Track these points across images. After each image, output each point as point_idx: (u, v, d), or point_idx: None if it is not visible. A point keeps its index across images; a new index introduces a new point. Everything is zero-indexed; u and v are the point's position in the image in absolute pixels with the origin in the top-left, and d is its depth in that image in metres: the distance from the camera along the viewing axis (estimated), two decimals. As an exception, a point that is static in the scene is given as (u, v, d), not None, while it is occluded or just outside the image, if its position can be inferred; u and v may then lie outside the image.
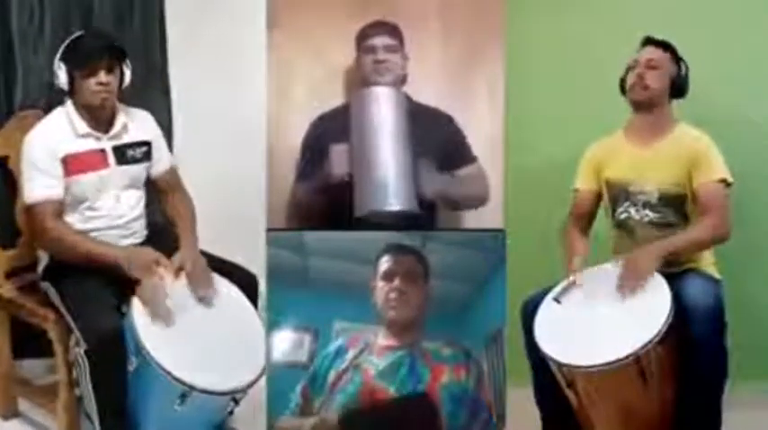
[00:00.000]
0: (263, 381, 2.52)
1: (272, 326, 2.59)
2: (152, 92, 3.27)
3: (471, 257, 2.64)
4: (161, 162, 2.75)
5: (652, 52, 2.61)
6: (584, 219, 2.75)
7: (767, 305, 3.01)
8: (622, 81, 2.66)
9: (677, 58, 2.62)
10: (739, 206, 2.53)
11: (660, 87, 2.59)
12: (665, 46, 2.62)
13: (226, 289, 2.58)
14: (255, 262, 2.68)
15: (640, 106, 2.61)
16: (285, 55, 2.77)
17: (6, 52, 2.93)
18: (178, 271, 2.51)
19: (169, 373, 2.27)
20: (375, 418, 2.30)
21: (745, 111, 2.95)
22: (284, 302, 2.60)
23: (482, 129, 2.76)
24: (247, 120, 3.28)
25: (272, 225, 2.69)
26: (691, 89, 2.63)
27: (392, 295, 2.37)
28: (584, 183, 2.75)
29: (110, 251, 2.49)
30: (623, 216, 2.64)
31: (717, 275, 2.59)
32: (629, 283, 2.43)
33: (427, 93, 2.76)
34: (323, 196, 2.64)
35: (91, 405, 2.37)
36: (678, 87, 2.61)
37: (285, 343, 2.61)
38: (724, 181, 2.51)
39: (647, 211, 2.60)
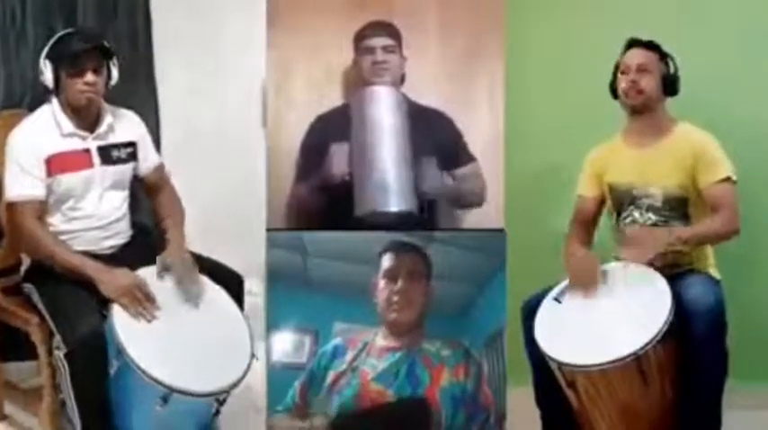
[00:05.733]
0: (263, 382, 2.52)
1: (271, 326, 2.59)
2: (138, 90, 3.22)
3: (471, 257, 2.64)
4: (147, 160, 2.72)
5: (641, 55, 2.60)
6: (587, 226, 2.73)
7: (767, 305, 3.01)
8: (612, 84, 2.66)
9: (664, 57, 2.61)
10: (739, 206, 2.54)
11: (654, 90, 2.58)
12: (651, 46, 2.61)
13: (210, 289, 2.53)
14: (255, 262, 2.68)
15: (637, 110, 2.61)
16: (285, 54, 2.77)
17: (-12, 52, 2.92)
18: (163, 270, 2.49)
19: (149, 375, 2.24)
20: (369, 423, 2.30)
21: (743, 111, 2.94)
22: (284, 303, 2.60)
23: (482, 130, 2.75)
24: (247, 120, 3.28)
25: (272, 225, 2.69)
26: (689, 89, 2.62)
27: (394, 298, 2.37)
28: (586, 189, 2.74)
29: (87, 268, 2.43)
30: (628, 220, 2.64)
31: (717, 276, 2.59)
32: (632, 253, 2.45)
33: (427, 93, 2.75)
34: (323, 196, 2.64)
35: (72, 408, 2.34)
36: (670, 85, 2.61)
37: (285, 343, 2.61)
38: (729, 179, 2.52)
39: (651, 215, 2.60)
